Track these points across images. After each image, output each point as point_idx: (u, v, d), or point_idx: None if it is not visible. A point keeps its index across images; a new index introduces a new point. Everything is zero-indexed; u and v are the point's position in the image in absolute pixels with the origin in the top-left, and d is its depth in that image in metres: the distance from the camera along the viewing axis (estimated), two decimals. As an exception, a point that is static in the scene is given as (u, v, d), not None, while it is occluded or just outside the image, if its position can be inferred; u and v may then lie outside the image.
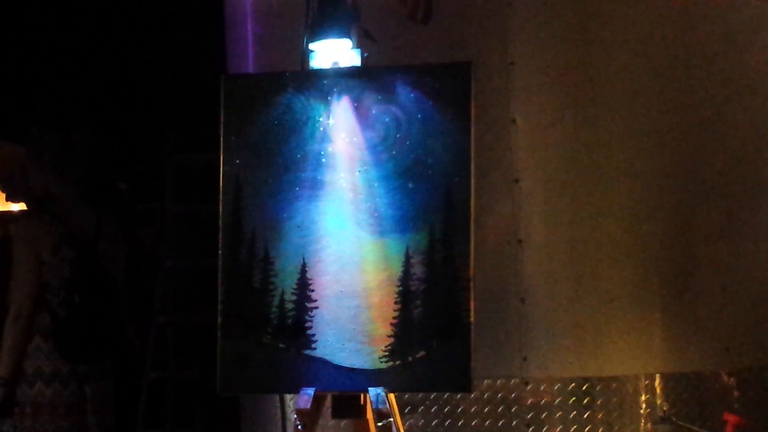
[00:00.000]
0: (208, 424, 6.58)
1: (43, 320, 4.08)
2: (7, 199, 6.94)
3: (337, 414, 3.23)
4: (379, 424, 3.05)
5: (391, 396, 3.15)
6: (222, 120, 3.36)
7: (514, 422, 4.11)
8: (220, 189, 3.33)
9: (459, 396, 4.09)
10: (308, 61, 3.45)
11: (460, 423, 4.13)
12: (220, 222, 3.32)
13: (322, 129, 3.31)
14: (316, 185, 3.29)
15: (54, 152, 4.20)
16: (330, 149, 3.30)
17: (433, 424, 4.14)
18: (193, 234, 6.74)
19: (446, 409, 4.14)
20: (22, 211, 7.78)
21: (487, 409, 4.11)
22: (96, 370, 4.14)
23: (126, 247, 4.34)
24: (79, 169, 4.22)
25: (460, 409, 4.13)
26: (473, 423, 4.13)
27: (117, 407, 4.40)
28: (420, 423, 4.06)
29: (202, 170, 6.19)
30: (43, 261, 4.07)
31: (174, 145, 6.59)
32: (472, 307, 3.12)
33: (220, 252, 3.31)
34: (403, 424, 3.89)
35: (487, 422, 4.12)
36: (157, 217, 6.98)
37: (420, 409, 4.11)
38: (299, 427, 3.04)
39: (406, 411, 4.13)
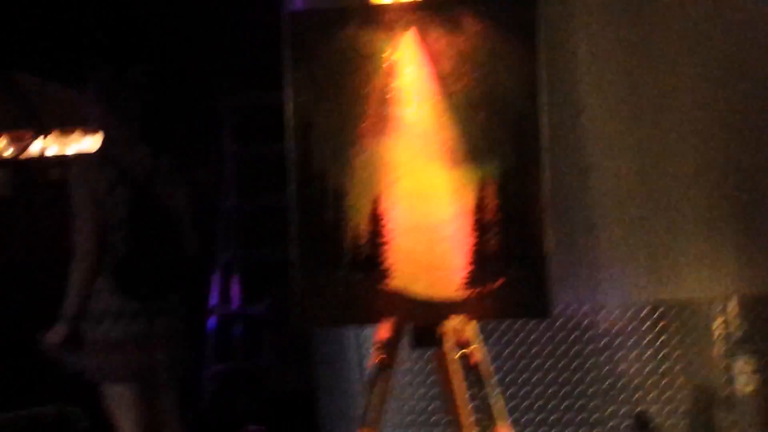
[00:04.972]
0: (278, 358, 6.66)
1: (106, 259, 4.11)
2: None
3: (416, 344, 3.26)
4: (461, 353, 3.08)
5: (472, 324, 3.17)
6: (286, 57, 3.35)
7: (588, 348, 4.10)
8: (287, 126, 3.33)
9: (532, 323, 4.10)
10: (372, -5, 3.42)
11: (533, 351, 4.13)
12: (288, 158, 3.32)
13: (387, 63, 3.30)
14: (384, 119, 3.29)
15: (109, 90, 4.20)
16: (396, 83, 3.29)
17: (506, 352, 4.15)
18: (253, 173, 6.80)
19: (519, 337, 4.14)
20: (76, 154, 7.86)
21: (560, 335, 4.11)
22: (162, 305, 4.17)
23: (185, 186, 4.34)
24: (134, 108, 4.21)
25: (533, 337, 4.13)
26: (546, 350, 4.12)
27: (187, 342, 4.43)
28: (493, 352, 4.05)
29: (260, 110, 6.23)
30: (100, 200, 4.09)
31: (231, 84, 6.62)
32: (548, 233, 3.13)
33: (289, 188, 3.32)
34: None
35: (561, 349, 4.11)
36: (213, 157, 7.03)
37: (492, 338, 4.12)
38: (380, 358, 3.08)
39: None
